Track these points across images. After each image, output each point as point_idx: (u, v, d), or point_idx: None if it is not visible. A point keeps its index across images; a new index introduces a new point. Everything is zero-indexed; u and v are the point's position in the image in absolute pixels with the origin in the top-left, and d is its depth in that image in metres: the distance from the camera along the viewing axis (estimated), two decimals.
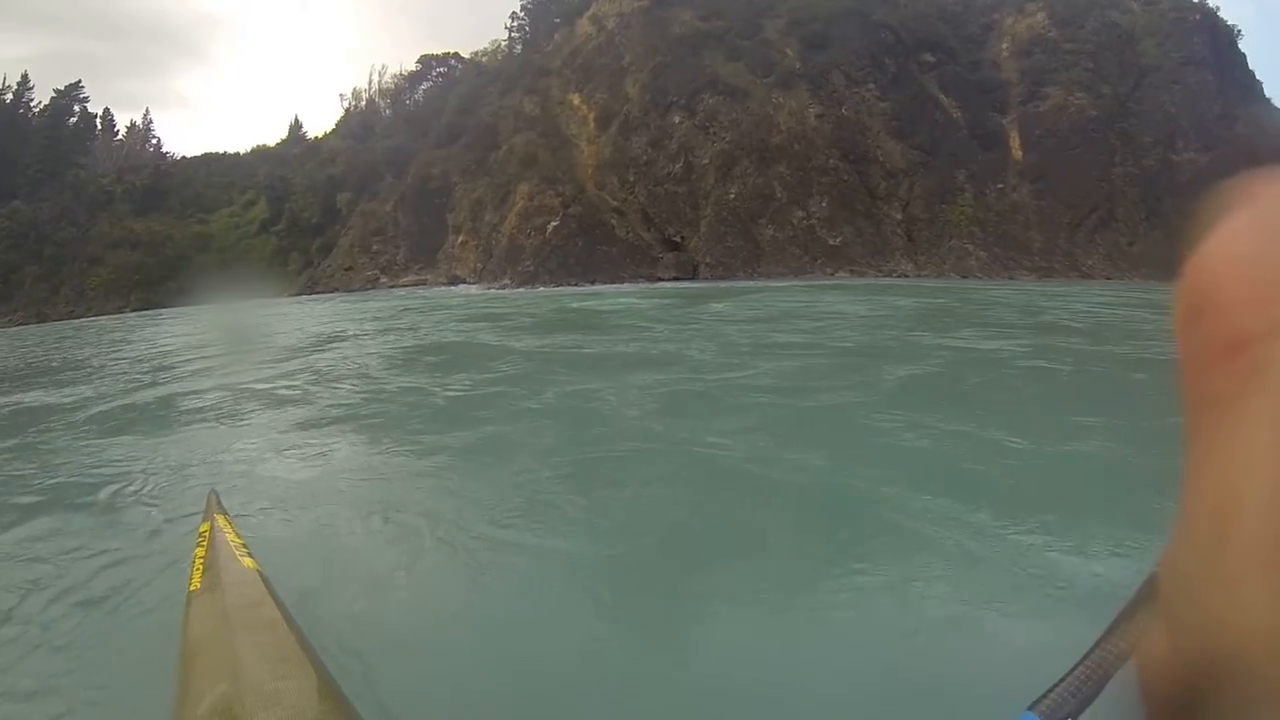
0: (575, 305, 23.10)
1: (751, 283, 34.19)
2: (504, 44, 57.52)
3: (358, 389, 8.88)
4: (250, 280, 54.25)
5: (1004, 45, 43.59)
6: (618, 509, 4.30)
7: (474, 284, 44.39)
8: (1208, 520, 0.18)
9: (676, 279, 37.77)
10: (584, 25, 51.85)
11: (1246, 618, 0.16)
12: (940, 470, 4.67)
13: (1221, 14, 46.83)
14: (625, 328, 14.85)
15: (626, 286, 35.19)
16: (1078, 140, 40.01)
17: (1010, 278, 36.38)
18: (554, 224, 43.72)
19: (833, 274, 36.09)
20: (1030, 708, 0.58)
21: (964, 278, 35.96)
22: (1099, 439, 5.44)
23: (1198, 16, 45.78)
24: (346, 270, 56.98)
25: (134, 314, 47.76)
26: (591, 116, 46.49)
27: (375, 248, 56.69)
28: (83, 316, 50.08)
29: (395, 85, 62.07)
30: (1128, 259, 38.92)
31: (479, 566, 3.55)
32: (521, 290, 38.11)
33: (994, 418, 6.24)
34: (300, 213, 61.57)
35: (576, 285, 38.15)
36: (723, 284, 34.65)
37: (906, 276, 35.83)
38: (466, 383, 8.73)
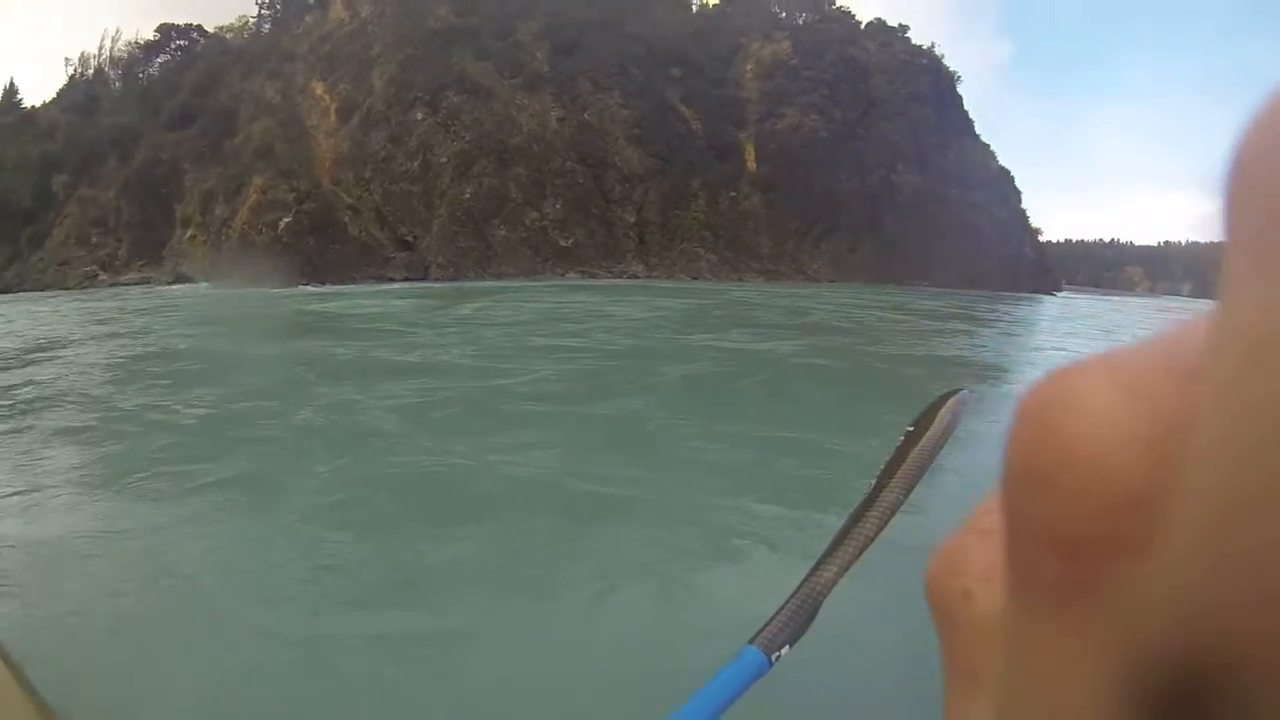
0: (315, 307, 21.54)
1: (485, 283, 32.88)
2: (252, 21, 52.66)
3: (85, 410, 7.43)
4: None
5: (749, 67, 45.54)
6: (401, 557, 3.81)
7: (203, 283, 39.78)
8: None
9: (407, 279, 35.71)
10: (337, 9, 48.61)
11: None
12: (764, 483, 4.84)
13: (946, 61, 52.12)
14: (375, 331, 13.97)
15: (360, 287, 32.96)
16: (809, 157, 42.29)
17: (740, 279, 37.51)
18: (287, 220, 40.13)
19: (563, 275, 35.48)
20: (751, 640, 0.62)
21: (694, 279, 36.64)
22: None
23: (925, 60, 50.48)
24: (61, 265, 49.48)
25: None
26: (333, 108, 43.40)
27: (95, 240, 49.75)
28: None
29: (129, 55, 54.90)
30: (849, 265, 41.49)
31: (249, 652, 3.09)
32: (252, 290, 34.41)
33: (785, 418, 6.67)
34: (9, 195, 52.87)
35: (308, 285, 35.20)
36: (455, 284, 33.02)
37: (637, 278, 35.91)
38: (212, 399, 7.55)
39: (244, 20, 52.98)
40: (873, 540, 0.64)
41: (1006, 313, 28.58)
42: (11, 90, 58.00)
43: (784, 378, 9.65)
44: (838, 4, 49.87)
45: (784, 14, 49.14)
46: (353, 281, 35.96)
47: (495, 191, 37.38)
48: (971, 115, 51.47)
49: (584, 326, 14.56)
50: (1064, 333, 20.89)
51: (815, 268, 40.07)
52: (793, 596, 0.64)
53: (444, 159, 38.89)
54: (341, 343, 12.24)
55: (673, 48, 43.41)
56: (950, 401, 0.71)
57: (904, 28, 51.19)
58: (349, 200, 39.93)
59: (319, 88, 45.08)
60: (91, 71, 55.76)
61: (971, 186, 47.88)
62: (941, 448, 0.69)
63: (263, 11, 52.15)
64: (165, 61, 53.71)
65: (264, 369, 9.39)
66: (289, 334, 14.44)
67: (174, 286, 40.01)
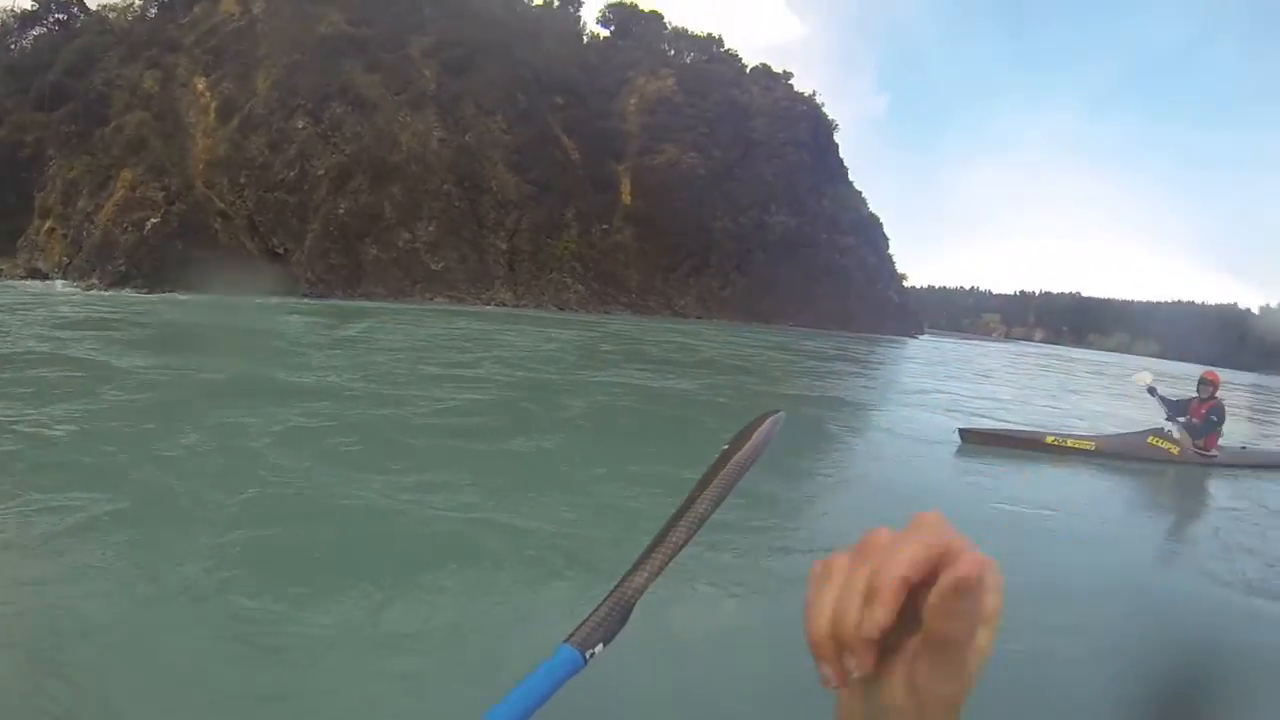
0: (187, 316, 20.89)
1: (356, 303, 33.37)
2: (139, 3, 50.78)
3: None
4: None
5: (632, 101, 47.50)
6: (306, 618, 3.45)
7: (58, 279, 38.55)
8: None
9: (275, 293, 35.74)
10: (228, 3, 47.66)
11: None
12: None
13: (825, 110, 55.60)
14: (259, 348, 13.39)
15: (230, 298, 32.73)
16: (684, 194, 44.61)
17: (607, 312, 39.33)
18: (154, 221, 39.43)
19: (432, 299, 36.43)
20: (566, 639, 0.65)
21: (561, 309, 38.25)
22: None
23: (805, 107, 53.76)
24: None
25: None
26: (213, 106, 42.78)
27: None
28: None
29: (2, 23, 52.11)
30: (717, 301, 44.06)
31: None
32: (117, 293, 33.62)
33: (701, 456, 6.94)
34: None
35: (172, 291, 34.75)
36: (327, 302, 33.47)
37: (505, 305, 37.23)
38: (81, 415, 6.90)
39: (129, 1, 51.03)
40: (682, 547, 0.69)
41: (884, 354, 31.46)
42: None
43: (694, 416, 10.03)
44: (726, 47, 52.58)
45: (673, 52, 51.42)
46: (220, 291, 35.85)
47: (370, 209, 37.97)
48: (846, 163, 55.30)
49: (477, 356, 14.48)
50: (944, 375, 22.84)
51: (684, 303, 42.36)
52: (608, 598, 0.68)
53: (322, 171, 39.15)
54: (224, 358, 11.59)
55: (560, 77, 44.84)
56: (766, 422, 0.82)
57: (788, 74, 54.42)
58: (221, 205, 39.66)
59: (200, 83, 44.30)
60: None
61: (843, 231, 51.47)
62: (752, 465, 0.76)
63: None
64: (41, 35, 51.19)
65: (142, 383, 8.69)
66: (164, 345, 13.68)
67: (26, 282, 38.65)
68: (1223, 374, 10.66)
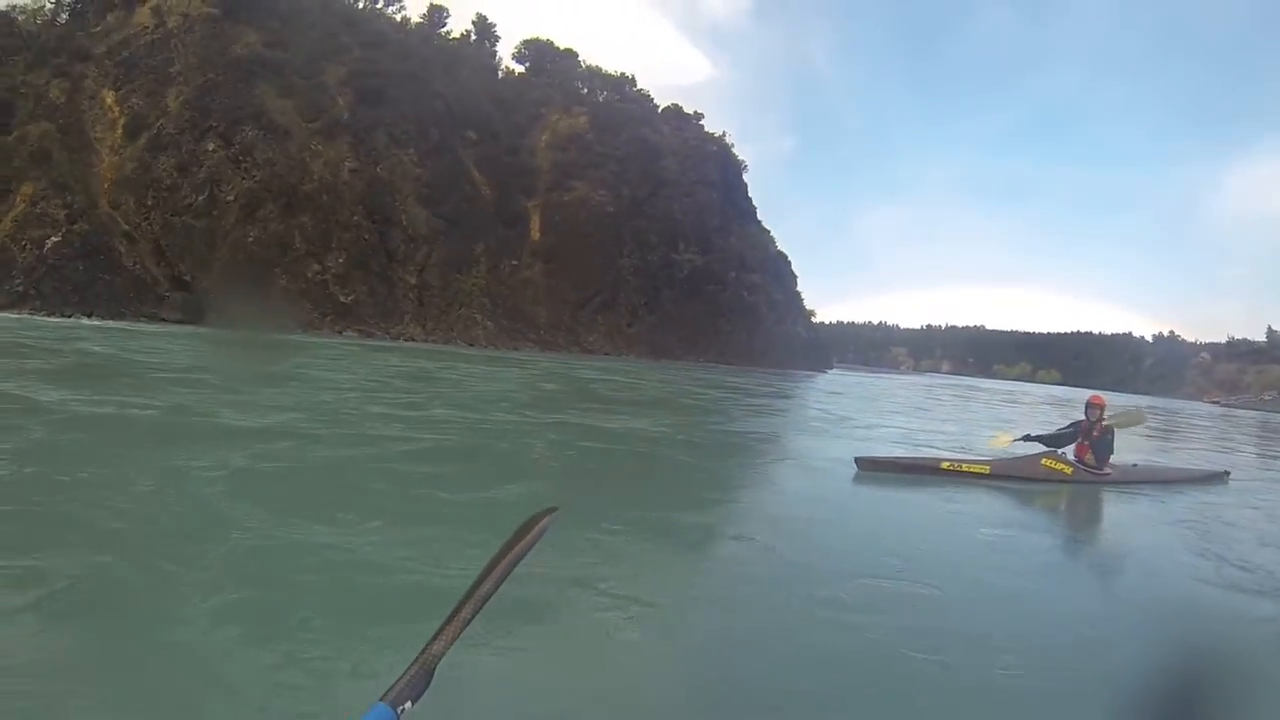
0: (97, 345, 19.39)
1: (271, 335, 33.79)
2: (49, 6, 49.77)
3: None
4: None
5: (544, 137, 49.39)
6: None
7: None
8: None
9: (181, 322, 36.15)
10: (143, 14, 47.31)
11: None
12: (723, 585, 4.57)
13: (735, 150, 58.57)
14: (189, 384, 12.46)
15: (140, 325, 32.82)
16: (593, 230, 46.81)
17: (515, 348, 41.17)
18: (55, 239, 39.32)
19: (341, 332, 37.61)
20: (382, 697, 0.77)
21: (471, 345, 39.87)
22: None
23: (714, 148, 56.67)
24: None
25: None
26: (121, 122, 42.77)
27: None
28: None
29: None
30: (625, 338, 46.41)
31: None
32: (15, 317, 33.02)
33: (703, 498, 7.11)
34: None
35: (72, 316, 34.90)
36: (229, 332, 33.75)
37: (414, 340, 38.72)
38: (8, 457, 6.25)
39: (40, 4, 49.86)
40: (470, 621, 0.84)
41: (818, 387, 32.47)
42: None
43: (675, 457, 9.99)
44: (638, 87, 54.96)
45: (586, 89, 53.52)
46: (124, 318, 36.07)
47: (280, 238, 38.83)
48: (755, 202, 58.41)
49: (423, 395, 14.15)
50: (886, 410, 22.90)
51: (592, 340, 44.48)
52: (414, 663, 0.80)
53: (231, 196, 39.76)
54: (151, 394, 10.75)
55: (473, 111, 46.33)
56: (543, 519, 0.99)
57: (699, 115, 57.22)
58: (126, 227, 39.88)
59: (110, 97, 44.10)
60: None
61: (751, 268, 54.47)
62: (528, 553, 0.92)
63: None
64: None
65: (69, 420, 8.03)
66: (82, 377, 12.66)
67: None
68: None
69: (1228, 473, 11.20)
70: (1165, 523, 8.02)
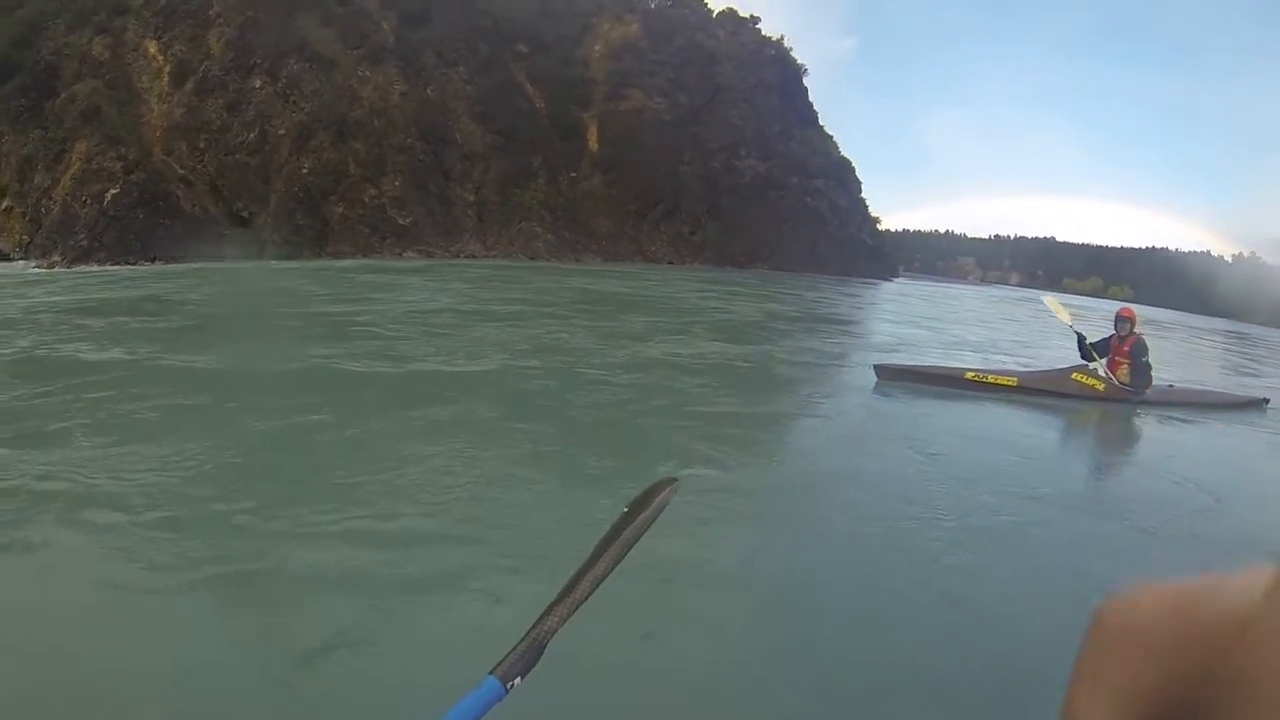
0: (178, 292, 18.00)
1: (324, 261, 33.14)
2: None
3: None
4: None
5: (597, 47, 46.78)
6: None
7: (19, 259, 37.96)
8: None
9: (243, 257, 35.43)
10: None
11: None
12: None
13: (793, 54, 54.87)
14: (290, 322, 11.76)
15: (199, 265, 32.16)
16: (651, 139, 44.27)
17: (578, 260, 39.25)
18: (114, 192, 38.80)
19: (401, 254, 36.23)
20: (491, 671, 0.75)
21: (532, 259, 38.16)
22: None
23: (772, 51, 53.14)
24: None
25: None
26: (167, 70, 41.81)
27: None
28: None
29: None
30: (689, 246, 44.07)
31: (79, 554, 3.25)
32: (82, 269, 32.93)
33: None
34: None
35: (135, 263, 34.40)
36: (297, 264, 33.15)
37: (475, 257, 37.10)
38: (128, 420, 5.89)
39: None
40: (587, 599, 0.81)
41: (908, 296, 30.61)
42: None
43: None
44: None
45: None
46: (186, 259, 35.45)
47: (333, 167, 37.49)
48: (816, 107, 54.89)
49: (509, 323, 12.60)
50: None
51: (654, 249, 42.33)
52: (524, 638, 0.78)
53: (282, 131, 38.55)
54: (261, 338, 10.22)
55: (522, 25, 44.05)
56: (664, 491, 0.93)
57: (755, 19, 53.62)
58: (181, 172, 39.04)
59: (152, 47, 43.22)
60: None
61: (813, 174, 51.22)
62: (649, 527, 0.86)
63: None
64: None
65: (183, 374, 7.38)
66: (177, 327, 11.77)
67: None
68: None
69: (1266, 400, 10.44)
70: (1197, 451, 7.57)
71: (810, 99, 54.53)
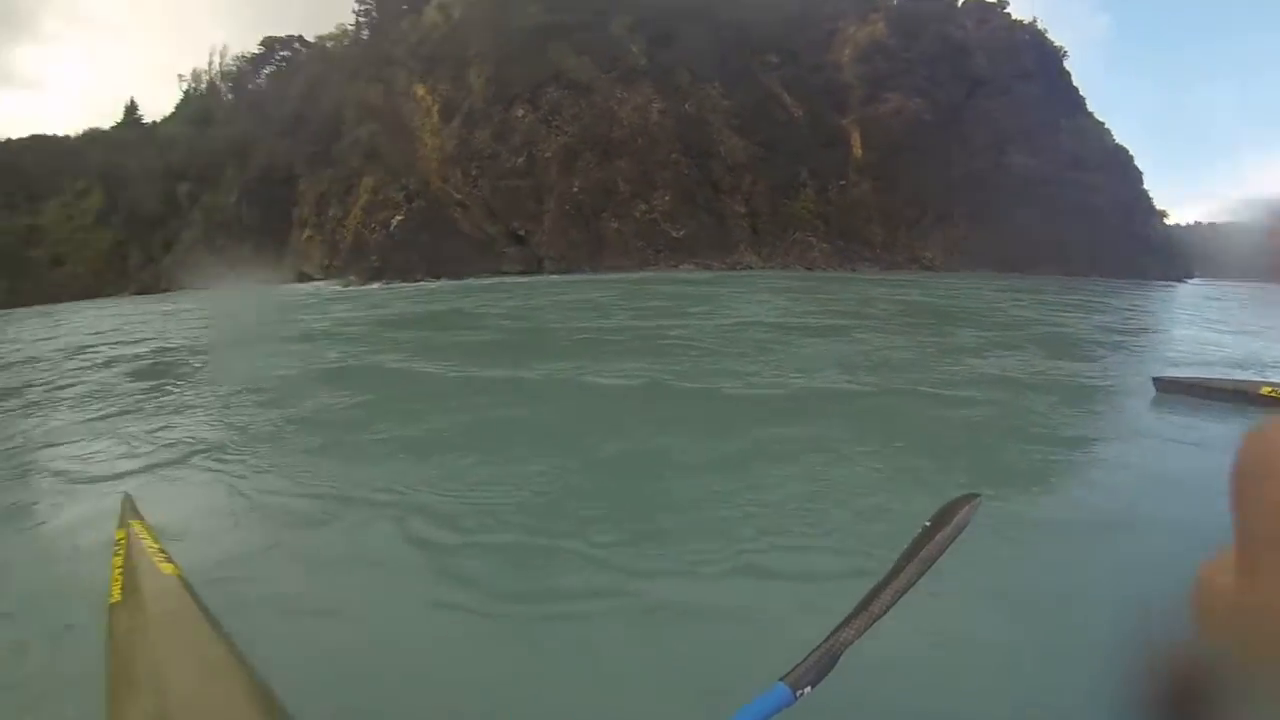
0: (468, 307, 18.38)
1: (603, 275, 33.04)
2: (350, 28, 54.52)
3: (265, 398, 7.05)
4: (87, 278, 49.94)
5: (846, 51, 44.57)
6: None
7: (321, 280, 41.67)
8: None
9: (522, 273, 36.38)
10: (431, 13, 49.78)
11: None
12: None
13: (1049, 35, 49.81)
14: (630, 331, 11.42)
15: (482, 280, 33.59)
16: (914, 142, 41.20)
17: (853, 270, 36.84)
18: (398, 219, 41.65)
19: (676, 266, 35.57)
20: (781, 678, 0.75)
21: (808, 269, 36.21)
22: None
23: (1027, 36, 48.49)
24: (191, 268, 52.39)
25: None
26: (435, 108, 44.49)
27: (220, 243, 52.36)
28: None
29: (238, 68, 57.99)
30: (963, 252, 40.30)
31: (419, 572, 3.21)
32: (376, 287, 35.16)
33: None
34: (139, 203, 56.49)
35: (420, 280, 36.31)
36: (571, 277, 33.30)
37: (751, 269, 35.74)
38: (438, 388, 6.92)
39: (343, 28, 54.96)
40: (887, 611, 0.75)
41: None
42: (132, 108, 62.16)
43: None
44: None
45: None
46: (467, 276, 36.81)
47: (602, 184, 37.74)
48: (1082, 92, 49.20)
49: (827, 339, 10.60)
50: None
51: (929, 256, 39.09)
52: (819, 646, 0.74)
53: (549, 154, 39.44)
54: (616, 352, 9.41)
55: (768, 35, 42.86)
56: (966, 507, 0.82)
57: (1002, 3, 49.26)
58: (458, 197, 40.96)
59: (420, 89, 46.29)
60: (204, 86, 58.87)
61: (1088, 167, 45.69)
62: (951, 544, 0.78)
63: (359, 19, 53.95)
64: (272, 72, 56.36)
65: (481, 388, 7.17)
66: (496, 340, 11.64)
67: (296, 285, 41.74)
68: None
69: None
70: None
71: (1075, 83, 49.10)
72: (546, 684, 2.51)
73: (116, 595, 1.97)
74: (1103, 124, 48.85)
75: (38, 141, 68.87)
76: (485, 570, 3.31)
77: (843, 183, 39.54)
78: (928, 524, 0.86)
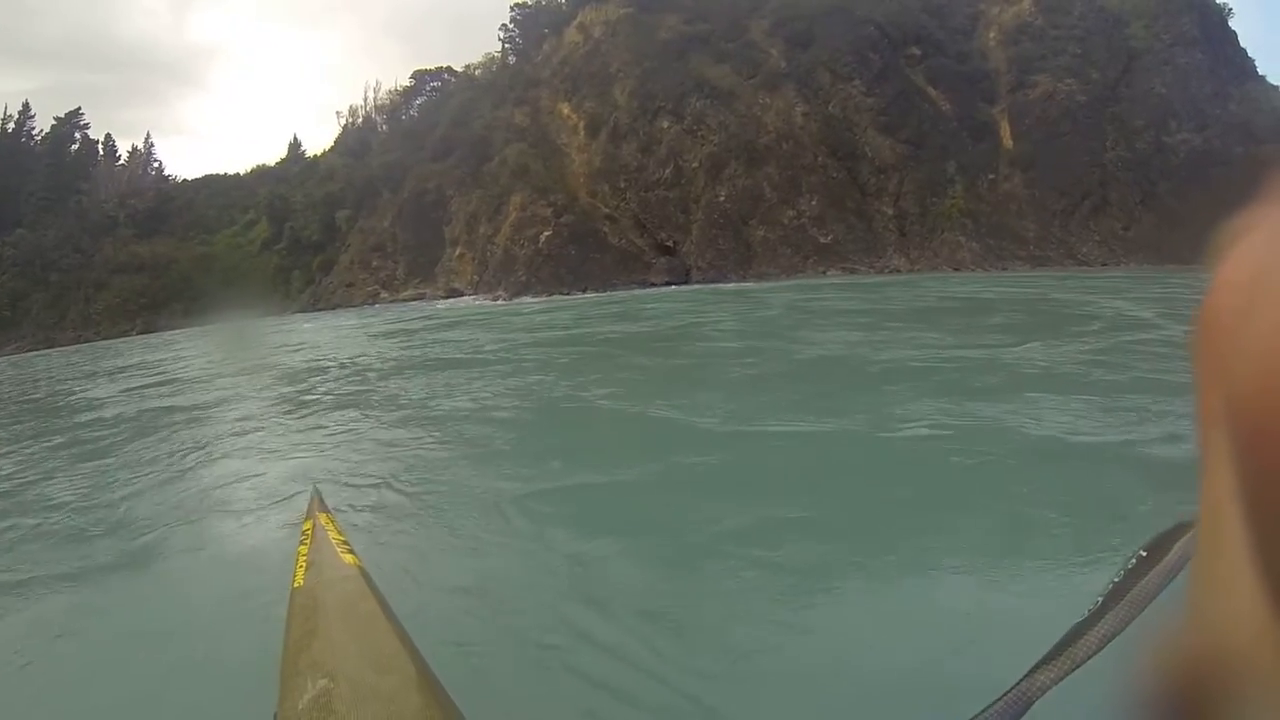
0: (614, 323, 18.34)
1: (751, 284, 33.96)
2: (496, 56, 57.93)
3: (437, 396, 8.46)
4: (253, 299, 55.23)
5: (991, 35, 43.44)
6: None
7: (471, 295, 44.65)
8: (1208, 531, 0.23)
9: (669, 283, 37.80)
10: (571, 34, 52.13)
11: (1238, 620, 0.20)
12: None
13: None
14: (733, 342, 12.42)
15: (633, 291, 34.91)
16: (1068, 126, 39.82)
17: (1004, 269, 36.21)
18: (547, 234, 44.04)
19: (825, 272, 36.12)
20: None
21: (957, 270, 35.86)
22: None
23: None
24: (348, 287, 57.45)
25: (140, 336, 48.28)
26: (581, 125, 46.73)
27: (375, 263, 57.13)
28: (89, 341, 50.75)
29: (390, 101, 62.93)
30: (1123, 244, 38.65)
31: (588, 567, 3.41)
32: (527, 300, 37.04)
33: None
34: (301, 231, 62.24)
35: (568, 294, 38.17)
36: (717, 286, 34.50)
37: (900, 272, 35.81)
38: (602, 390, 8.10)
39: (489, 56, 58.51)
40: (1090, 657, 0.67)
41: None
42: (295, 144, 68.93)
43: None
44: None
45: None
46: (616, 288, 38.62)
47: (749, 192, 38.74)
48: (1251, 54, 45.60)
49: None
50: None
51: (1085, 250, 37.68)
52: (1010, 689, 0.66)
53: (695, 164, 40.76)
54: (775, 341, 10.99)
55: (908, 27, 42.44)
56: (1185, 535, 0.72)
57: None
58: (606, 210, 42.97)
59: (565, 108, 48.63)
60: (360, 120, 64.31)
61: (1263, 138, 42.45)
62: (1171, 579, 0.69)
63: (504, 46, 57.25)
64: (423, 102, 60.85)
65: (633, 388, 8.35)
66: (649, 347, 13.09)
67: (448, 300, 45.22)
68: None
69: None
70: None
71: (1242, 45, 45.58)
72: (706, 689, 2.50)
73: (299, 580, 2.05)
74: (1276, 87, 45.20)
75: (210, 180, 76.54)
76: (663, 585, 3.37)
77: (992, 176, 38.69)
78: (1142, 553, 0.75)
